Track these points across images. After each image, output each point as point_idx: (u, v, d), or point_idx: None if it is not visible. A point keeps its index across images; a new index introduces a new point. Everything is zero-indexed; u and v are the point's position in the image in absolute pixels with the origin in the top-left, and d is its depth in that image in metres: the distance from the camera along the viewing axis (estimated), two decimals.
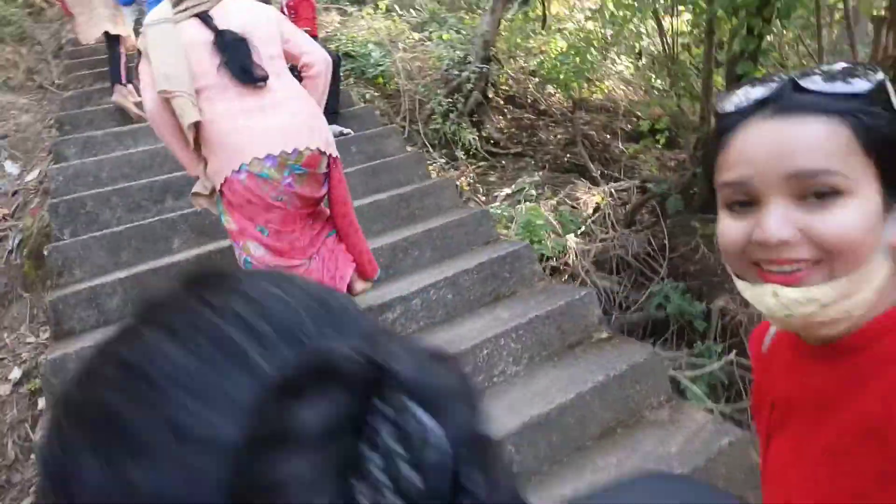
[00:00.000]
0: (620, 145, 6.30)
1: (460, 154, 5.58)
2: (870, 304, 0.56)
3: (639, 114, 6.44)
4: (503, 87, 6.73)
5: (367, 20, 6.58)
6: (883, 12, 4.05)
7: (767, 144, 0.56)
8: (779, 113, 0.56)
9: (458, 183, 5.10)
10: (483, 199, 5.25)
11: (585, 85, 6.78)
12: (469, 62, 5.93)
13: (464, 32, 6.77)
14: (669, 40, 5.03)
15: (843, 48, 5.68)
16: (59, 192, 3.29)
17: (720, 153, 0.61)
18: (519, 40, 6.85)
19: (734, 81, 4.00)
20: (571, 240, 4.33)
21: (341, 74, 4.76)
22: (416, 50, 6.47)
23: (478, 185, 5.45)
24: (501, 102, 6.62)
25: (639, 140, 6.13)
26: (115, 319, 2.64)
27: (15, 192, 3.90)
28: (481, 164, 5.77)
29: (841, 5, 4.34)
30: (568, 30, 6.52)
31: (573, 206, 5.17)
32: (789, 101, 0.56)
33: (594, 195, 5.17)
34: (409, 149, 4.72)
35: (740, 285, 0.61)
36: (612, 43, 6.31)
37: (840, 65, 0.58)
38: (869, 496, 0.54)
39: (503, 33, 6.54)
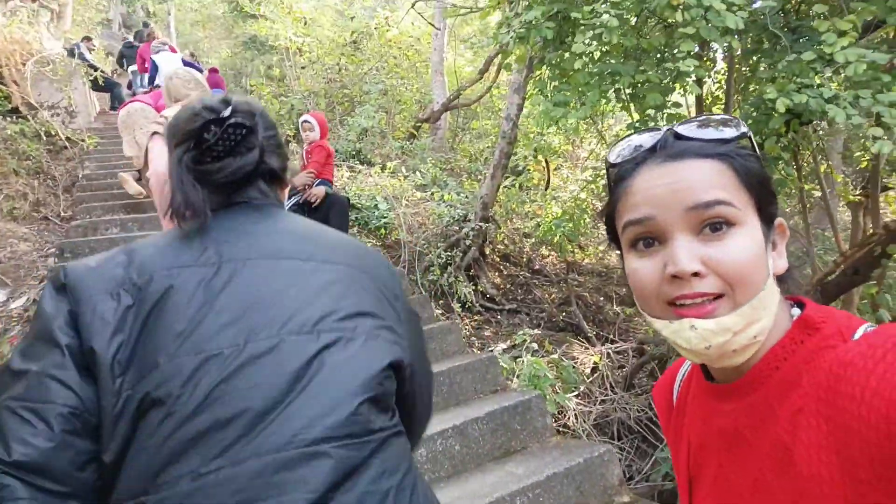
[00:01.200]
0: (615, 307, 6.38)
1: (456, 306, 5.59)
2: (768, 330, 0.61)
3: None
4: (499, 246, 6.97)
5: (374, 178, 6.98)
6: (859, 198, 4.39)
7: (667, 184, 0.61)
8: (669, 158, 0.62)
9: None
10: (479, 352, 5.15)
11: (578, 249, 7.07)
12: (468, 220, 6.20)
13: (463, 194, 7.17)
14: None
15: (820, 230, 6.06)
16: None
17: (621, 198, 0.65)
18: (514, 206, 7.24)
19: None
20: (572, 399, 4.18)
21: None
22: (419, 207, 6.79)
23: (473, 338, 5.38)
24: (497, 260, 6.82)
25: (632, 303, 6.24)
26: None
27: None
28: (476, 317, 5.77)
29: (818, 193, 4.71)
30: (562, 198, 6.94)
31: (572, 365, 5.07)
32: (674, 147, 0.63)
33: (592, 355, 5.11)
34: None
35: (658, 325, 0.62)
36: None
37: (706, 116, 0.66)
38: None
39: (501, 198, 6.94)
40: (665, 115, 2.95)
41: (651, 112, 3.22)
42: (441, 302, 5.62)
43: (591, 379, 4.84)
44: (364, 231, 6.03)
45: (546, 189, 7.05)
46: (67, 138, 6.51)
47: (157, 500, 0.72)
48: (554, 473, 2.26)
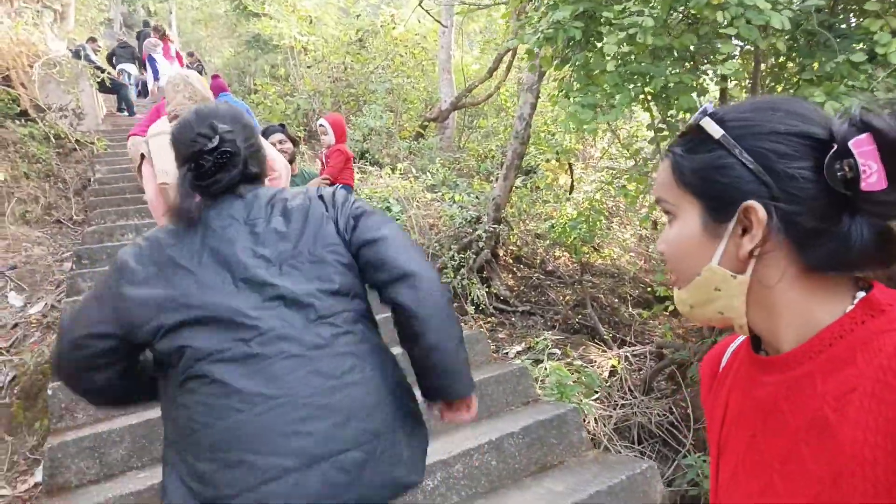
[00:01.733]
0: (630, 310, 6.32)
1: (470, 309, 5.54)
2: (741, 312, 0.65)
3: (647, 280, 6.57)
4: (512, 248, 6.91)
5: (385, 179, 6.91)
6: None
7: None
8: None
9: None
10: (494, 355, 5.10)
11: (592, 250, 7.01)
12: (481, 222, 6.14)
13: (473, 195, 7.10)
14: None
15: None
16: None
17: None
18: (526, 206, 7.17)
19: None
20: (591, 404, 4.13)
21: None
22: (430, 208, 6.71)
23: (488, 340, 5.32)
24: (510, 261, 6.76)
25: (648, 306, 6.17)
26: (121, 472, 2.31)
27: (15, 325, 3.70)
28: (490, 319, 5.71)
29: None
30: (576, 199, 6.88)
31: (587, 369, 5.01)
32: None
33: (609, 358, 5.05)
34: None
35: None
36: (625, 210, 6.61)
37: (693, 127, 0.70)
38: (826, 497, 0.55)
39: (513, 198, 6.88)
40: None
41: (673, 113, 3.15)
42: (455, 304, 5.57)
43: (609, 383, 4.79)
44: None
45: (570, 192, 6.98)
46: (76, 141, 6.43)
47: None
48: (597, 492, 2.20)
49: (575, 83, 3.17)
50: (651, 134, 3.34)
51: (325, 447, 1.17)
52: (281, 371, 1.20)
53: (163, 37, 9.88)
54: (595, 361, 5.08)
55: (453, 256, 5.70)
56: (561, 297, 6.46)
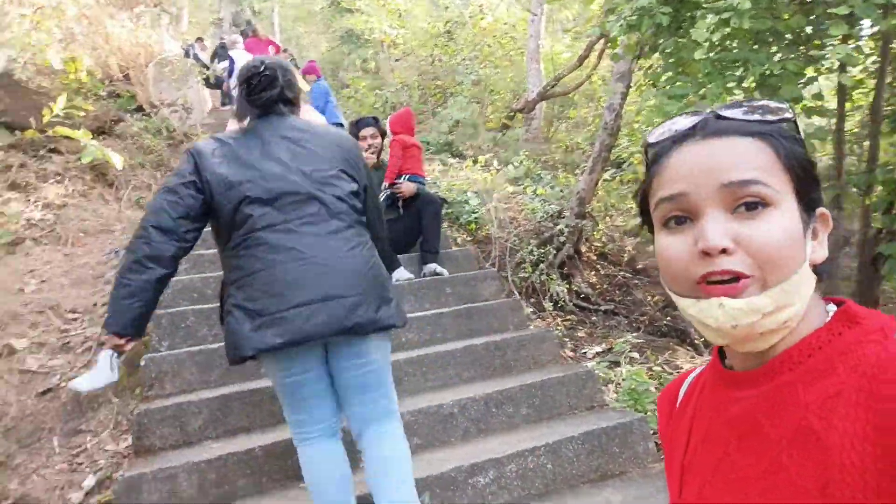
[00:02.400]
0: None
1: (548, 305, 5.41)
2: (800, 318, 0.60)
3: None
4: (597, 244, 6.69)
5: (466, 171, 6.90)
6: None
7: (702, 160, 0.60)
8: (707, 136, 0.61)
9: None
10: (571, 354, 4.97)
11: None
12: (563, 216, 5.98)
13: (558, 188, 6.94)
14: None
15: None
16: (164, 303, 3.33)
17: (655, 177, 0.64)
18: (614, 201, 6.91)
19: (873, 262, 3.71)
20: None
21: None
22: (511, 201, 6.63)
23: (566, 339, 5.19)
24: (594, 258, 6.55)
25: None
26: (198, 441, 2.48)
27: None
28: (570, 317, 5.56)
29: None
30: None
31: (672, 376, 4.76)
32: (715, 126, 0.62)
33: (698, 365, 4.77)
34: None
35: (684, 304, 0.61)
36: None
37: (751, 99, 0.65)
38: None
39: (600, 192, 6.65)
40: (804, 108, 2.62)
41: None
42: (532, 300, 5.47)
43: None
44: (455, 225, 5.97)
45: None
46: (185, 134, 6.94)
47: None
48: None
49: (663, 73, 2.99)
50: None
51: (333, 292, 1.80)
52: (309, 242, 1.83)
53: (255, 34, 10.41)
54: (681, 368, 4.82)
55: (532, 251, 5.59)
56: (649, 297, 6.18)
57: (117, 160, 5.26)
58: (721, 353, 0.71)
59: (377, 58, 10.16)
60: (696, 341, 5.16)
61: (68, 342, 3.47)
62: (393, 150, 4.23)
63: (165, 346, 3.02)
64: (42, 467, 2.77)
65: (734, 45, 2.58)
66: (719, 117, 0.62)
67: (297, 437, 1.97)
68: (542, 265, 5.58)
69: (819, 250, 0.62)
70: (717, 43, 2.53)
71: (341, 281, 1.81)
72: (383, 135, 4.32)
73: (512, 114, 9.49)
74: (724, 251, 0.56)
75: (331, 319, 1.77)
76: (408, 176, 4.21)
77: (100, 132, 6.05)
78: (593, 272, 6.37)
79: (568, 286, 5.74)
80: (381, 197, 4.03)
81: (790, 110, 0.63)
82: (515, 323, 3.50)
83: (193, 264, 3.86)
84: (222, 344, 2.95)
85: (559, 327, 5.22)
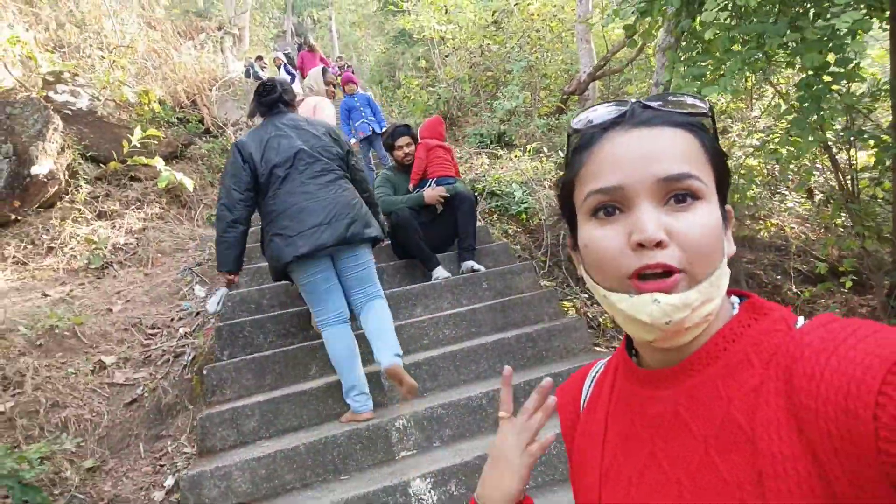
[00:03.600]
0: (794, 287, 5.64)
1: None
2: (717, 311, 0.60)
3: (815, 254, 5.79)
4: None
5: (514, 162, 6.91)
6: None
7: (636, 151, 0.59)
8: (637, 125, 0.61)
9: (599, 321, 4.86)
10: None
11: (749, 222, 6.34)
12: None
13: None
14: (846, 176, 4.55)
15: None
16: (226, 316, 3.65)
17: (585, 165, 0.62)
18: None
19: None
20: None
21: (477, 212, 4.97)
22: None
23: (588, 328, 5.14)
24: None
25: (815, 282, 5.45)
26: (252, 441, 2.75)
27: (197, 313, 4.46)
28: None
29: None
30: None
31: None
32: (643, 114, 0.61)
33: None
34: (544, 284, 4.63)
35: (614, 298, 0.60)
36: (781, 179, 5.89)
37: (671, 92, 0.65)
38: (752, 501, 0.54)
39: None
40: (838, 74, 2.47)
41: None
42: (585, 286, 5.43)
43: None
44: (504, 217, 6.02)
45: None
46: None
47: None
48: None
49: (682, 53, 2.93)
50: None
51: (333, 216, 2.77)
52: (314, 189, 2.81)
53: (311, 49, 10.84)
54: None
55: None
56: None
57: (188, 183, 5.73)
58: (628, 348, 0.71)
59: (429, 55, 10.29)
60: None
61: (149, 356, 3.88)
62: (417, 154, 4.37)
63: (226, 356, 3.33)
64: (130, 470, 3.15)
65: (750, 18, 2.48)
66: (645, 107, 0.62)
67: (321, 324, 2.88)
68: None
69: (729, 245, 0.63)
70: (729, 22, 2.45)
71: (338, 210, 2.78)
72: (417, 141, 4.46)
73: (565, 97, 9.34)
74: (658, 244, 0.56)
75: (334, 233, 2.73)
76: (434, 180, 4.32)
77: (172, 157, 6.60)
78: None
79: None
80: (406, 202, 4.19)
81: (707, 104, 0.63)
82: (550, 313, 3.55)
83: (252, 276, 4.18)
84: (276, 350, 3.24)
85: (580, 317, 5.17)
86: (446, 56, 9.93)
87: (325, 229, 2.70)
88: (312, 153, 2.86)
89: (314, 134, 2.94)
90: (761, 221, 6.38)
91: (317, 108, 5.36)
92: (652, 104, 0.62)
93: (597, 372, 0.78)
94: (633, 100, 0.64)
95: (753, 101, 7.20)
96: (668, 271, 0.56)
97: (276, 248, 2.73)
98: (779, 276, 5.85)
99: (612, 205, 0.59)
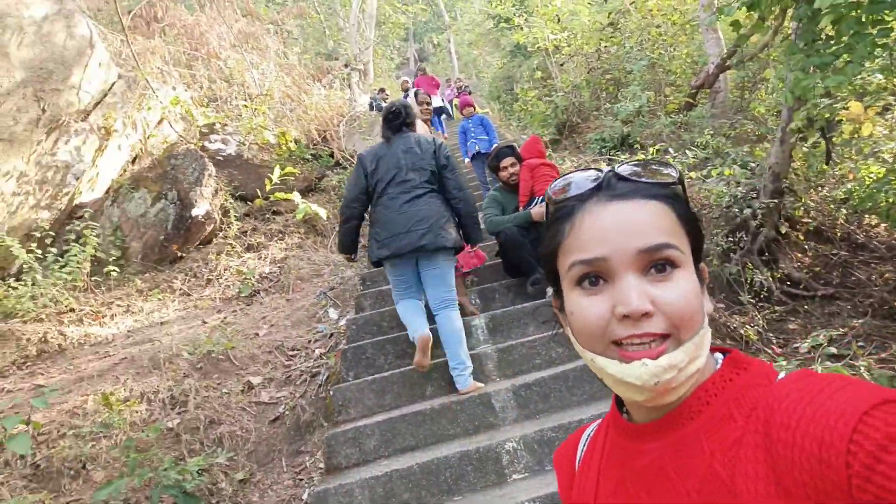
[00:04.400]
0: None
1: (746, 298, 4.92)
2: (702, 368, 0.62)
3: None
4: (803, 221, 5.87)
5: None
6: None
7: (616, 224, 0.62)
8: (615, 198, 0.64)
9: (742, 333, 4.47)
10: (779, 350, 4.47)
11: None
12: (755, 197, 5.39)
13: (752, 165, 6.25)
14: None
15: None
16: (351, 338, 3.90)
17: (568, 236, 0.65)
18: (825, 167, 5.98)
19: None
20: None
21: None
22: (690, 190, 6.17)
23: (769, 333, 4.68)
24: (801, 238, 5.76)
25: None
26: (373, 459, 2.91)
27: (331, 335, 4.81)
28: (777, 308, 4.98)
29: None
30: (886, 150, 5.47)
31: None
32: (617, 187, 0.65)
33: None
34: None
35: (602, 363, 0.62)
36: None
37: (643, 160, 0.69)
38: None
39: (797, 162, 5.82)
40: None
41: None
42: (723, 295, 5.03)
43: None
44: None
45: (826, 162, 5.66)
46: None
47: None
48: None
49: (799, 42, 2.66)
50: None
51: (413, 226, 3.29)
52: (404, 204, 3.35)
53: (423, 73, 11.29)
54: None
55: (717, 242, 5.15)
56: (875, 277, 5.25)
57: (322, 213, 6.23)
58: (618, 404, 0.73)
59: (544, 65, 10.23)
60: None
61: (290, 376, 4.26)
62: (522, 175, 4.38)
63: (351, 377, 3.55)
64: (274, 483, 3.47)
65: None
66: (620, 178, 0.65)
67: (396, 299, 3.52)
68: (733, 255, 5.11)
69: (707, 303, 0.65)
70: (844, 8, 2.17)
71: (415, 222, 3.30)
72: (521, 160, 4.48)
73: (693, 91, 8.76)
74: (645, 314, 0.58)
75: (410, 242, 3.27)
76: (541, 198, 4.30)
77: (308, 190, 7.22)
78: (802, 254, 5.62)
79: (771, 273, 5.17)
80: (513, 220, 4.25)
81: (674, 167, 0.68)
82: None
83: (375, 300, 4.42)
84: (395, 371, 3.40)
85: (761, 322, 4.73)
86: (561, 64, 9.79)
87: (404, 238, 3.27)
88: (408, 172, 3.42)
89: (418, 154, 3.48)
90: None
91: None
92: (626, 175, 0.65)
93: (591, 431, 0.81)
94: (606, 169, 0.67)
95: None
96: (654, 338, 0.59)
97: (370, 249, 3.44)
98: None
99: (596, 275, 0.62)
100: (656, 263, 0.61)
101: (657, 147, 6.94)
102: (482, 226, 4.00)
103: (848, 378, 0.55)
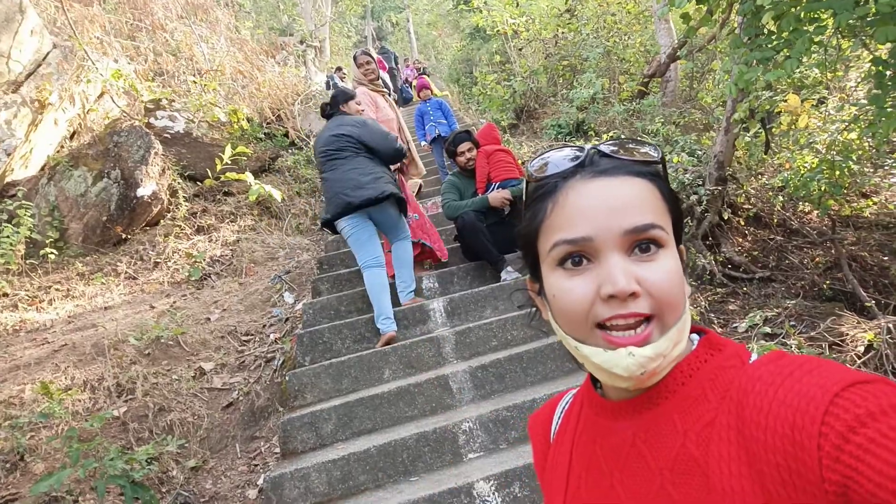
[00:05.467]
0: None
1: (689, 281, 5.13)
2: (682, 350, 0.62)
3: None
4: (744, 207, 6.14)
5: None
6: None
7: (601, 202, 0.60)
8: (598, 175, 0.62)
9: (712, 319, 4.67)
10: (719, 330, 4.69)
11: (857, 197, 5.82)
12: (700, 184, 5.60)
13: (699, 153, 6.47)
14: None
15: None
16: (307, 323, 3.86)
17: (550, 214, 0.63)
18: (765, 156, 6.25)
19: None
20: None
21: None
22: None
23: (711, 314, 4.90)
24: (741, 223, 6.03)
25: None
26: (330, 443, 2.91)
27: (287, 319, 4.75)
28: (719, 290, 5.22)
29: None
30: (820, 142, 5.77)
31: (837, 343, 4.28)
32: (601, 164, 0.63)
33: (865, 331, 4.21)
34: None
35: (587, 351, 0.61)
36: (886, 153, 5.36)
37: (624, 138, 0.68)
38: None
39: (740, 151, 6.07)
40: None
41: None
42: (694, 279, 5.23)
43: (863, 360, 4.02)
44: None
45: (766, 151, 5.94)
46: None
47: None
48: None
49: (744, 36, 2.76)
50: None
51: (356, 187, 3.76)
52: (345, 169, 3.82)
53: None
54: (847, 335, 4.31)
55: None
56: (807, 260, 5.56)
57: (276, 194, 6.10)
58: (593, 379, 0.72)
59: (503, 49, 10.24)
60: (866, 304, 4.55)
61: (244, 361, 4.19)
62: (478, 161, 4.43)
63: (307, 361, 3.53)
64: (228, 469, 3.43)
65: None
66: (603, 155, 0.63)
67: (362, 267, 3.77)
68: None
69: (687, 286, 0.64)
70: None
71: (359, 182, 3.73)
72: (478, 146, 4.52)
73: (645, 80, 8.97)
74: (632, 295, 0.57)
75: (356, 198, 3.69)
76: (498, 183, 4.37)
77: (261, 170, 7.04)
78: (742, 238, 5.88)
79: (714, 257, 5.39)
80: (471, 205, 4.31)
81: (660, 152, 0.65)
82: None
83: (333, 284, 4.39)
84: (351, 356, 3.40)
85: (703, 303, 4.95)
86: (520, 49, 9.83)
87: (348, 196, 3.69)
88: (344, 144, 3.87)
89: (350, 126, 3.94)
90: (864, 199, 5.82)
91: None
92: (609, 152, 0.63)
93: (567, 402, 0.80)
94: (589, 146, 0.65)
95: (848, 67, 6.57)
96: (639, 320, 0.58)
97: (324, 214, 3.89)
98: (886, 257, 5.34)
99: (580, 254, 0.60)
100: (641, 243, 0.59)
101: (610, 134, 7.08)
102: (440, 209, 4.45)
103: (818, 360, 0.55)
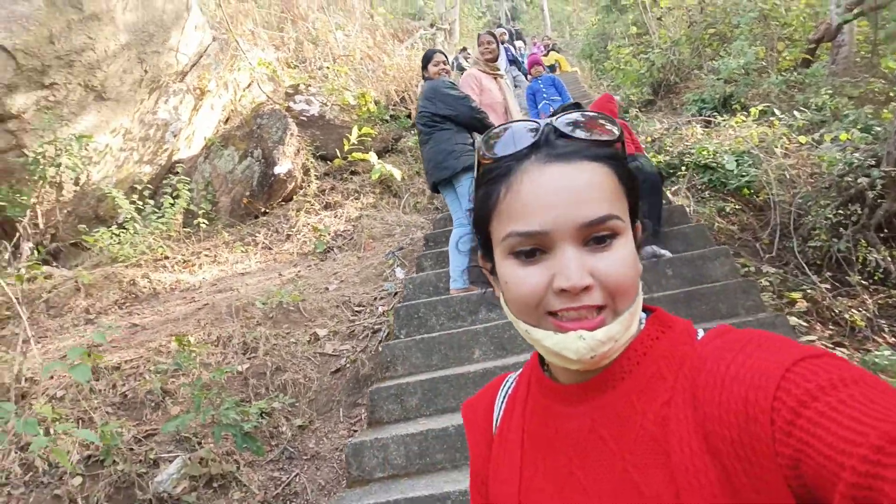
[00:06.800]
0: None
1: (856, 279, 4.42)
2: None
3: None
4: None
5: (735, 129, 6.05)
6: None
7: (558, 193, 0.58)
8: (555, 158, 0.59)
9: (847, 318, 4.03)
10: (892, 340, 4.02)
11: None
12: (874, 165, 4.80)
13: (876, 129, 5.55)
14: None
15: None
16: (407, 297, 3.92)
17: (504, 199, 0.60)
18: None
19: None
20: None
21: (664, 190, 4.48)
22: (797, 155, 5.56)
23: (881, 320, 4.19)
24: None
25: None
26: (413, 417, 2.93)
27: (395, 294, 4.88)
28: (894, 292, 4.47)
29: None
30: None
31: None
32: (557, 146, 0.60)
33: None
34: (769, 270, 4.00)
35: (538, 335, 0.60)
36: None
37: (580, 113, 0.63)
38: None
39: None
40: None
41: None
42: (829, 274, 4.55)
43: None
44: (719, 194, 5.32)
45: None
46: None
47: None
48: None
49: None
50: None
51: (434, 163, 4.09)
52: (426, 145, 4.19)
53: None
54: None
55: (826, 214, 4.62)
56: None
57: (397, 173, 6.27)
58: (540, 361, 0.70)
59: (640, 21, 9.56)
60: None
61: (353, 330, 4.37)
62: None
63: (403, 334, 3.58)
64: (330, 432, 3.60)
65: None
66: (560, 134, 0.60)
67: (456, 222, 4.09)
68: (844, 229, 4.59)
69: (639, 264, 0.62)
70: None
71: (437, 161, 3.96)
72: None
73: (812, 46, 7.85)
74: (585, 289, 0.56)
75: (435, 178, 3.98)
76: None
77: (385, 151, 7.28)
78: None
79: (890, 252, 4.62)
80: None
81: (615, 122, 0.63)
82: (748, 306, 3.05)
83: (436, 260, 4.41)
84: (443, 332, 3.39)
85: (872, 306, 4.25)
86: (659, 18, 9.09)
87: (432, 172, 4.06)
88: (421, 119, 4.09)
89: (423, 101, 4.12)
90: None
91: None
92: (566, 132, 0.60)
93: (509, 386, 0.76)
94: (545, 122, 0.62)
95: None
96: (590, 311, 0.57)
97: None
98: None
99: (534, 247, 0.58)
100: (596, 234, 0.57)
101: (759, 108, 6.30)
102: None
103: (765, 334, 0.56)
